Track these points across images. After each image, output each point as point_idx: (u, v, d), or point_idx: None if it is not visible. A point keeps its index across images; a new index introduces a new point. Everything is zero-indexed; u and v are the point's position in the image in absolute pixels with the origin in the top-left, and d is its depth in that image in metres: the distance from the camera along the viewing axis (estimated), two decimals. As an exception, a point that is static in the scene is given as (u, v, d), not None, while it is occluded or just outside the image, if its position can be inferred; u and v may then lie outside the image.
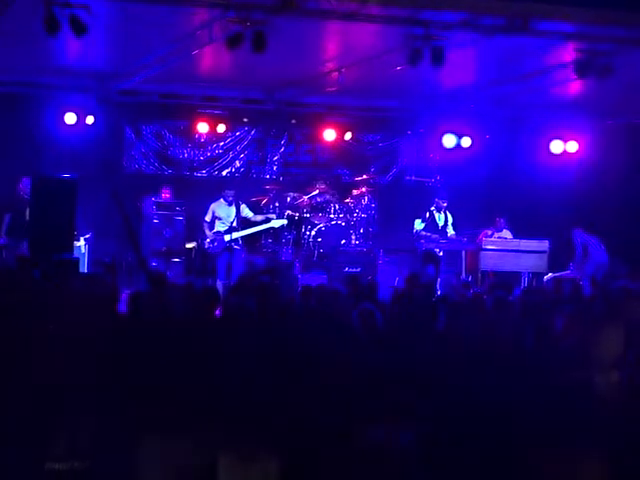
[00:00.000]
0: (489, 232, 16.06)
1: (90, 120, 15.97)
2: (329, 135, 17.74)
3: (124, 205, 12.75)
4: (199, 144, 17.63)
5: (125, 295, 10.74)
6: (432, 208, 15.63)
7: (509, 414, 4.80)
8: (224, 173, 17.80)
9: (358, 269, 15.70)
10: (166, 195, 16.78)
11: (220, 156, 17.81)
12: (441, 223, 15.61)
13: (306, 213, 16.51)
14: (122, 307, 8.60)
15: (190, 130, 17.32)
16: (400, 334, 7.05)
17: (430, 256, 14.61)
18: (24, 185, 14.08)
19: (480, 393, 5.21)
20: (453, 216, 15.78)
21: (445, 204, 15.66)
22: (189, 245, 16.42)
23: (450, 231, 15.63)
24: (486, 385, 5.33)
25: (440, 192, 16.00)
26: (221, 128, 17.28)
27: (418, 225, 15.52)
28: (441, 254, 15.24)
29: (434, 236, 15.36)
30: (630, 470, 4.35)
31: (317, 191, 16.76)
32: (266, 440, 5.12)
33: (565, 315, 7.89)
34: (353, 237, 16.58)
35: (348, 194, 17.23)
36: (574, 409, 4.67)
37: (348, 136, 17.91)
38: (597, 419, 4.70)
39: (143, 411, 5.17)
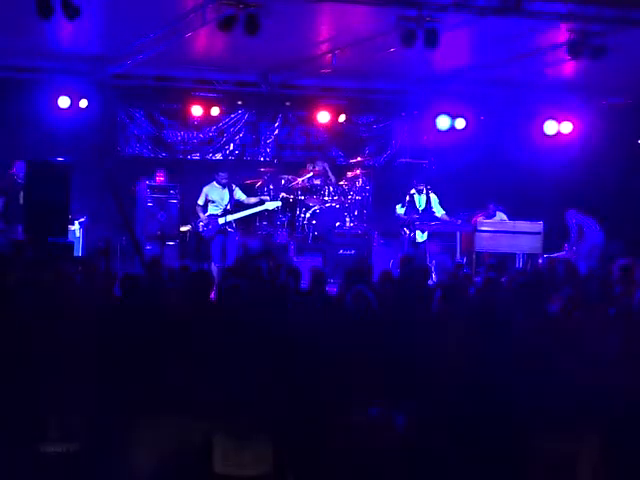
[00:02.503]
0: (481, 218, 16.04)
1: (84, 104, 15.93)
2: (323, 117, 17.72)
3: (118, 189, 12.75)
4: (193, 127, 17.59)
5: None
6: (412, 191, 15.55)
7: (504, 394, 4.82)
8: (218, 156, 17.78)
9: (352, 251, 15.69)
10: (160, 178, 16.76)
11: (214, 139, 17.79)
12: (422, 205, 15.50)
13: (300, 195, 16.47)
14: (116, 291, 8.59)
15: (184, 113, 17.28)
16: (395, 316, 7.06)
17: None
18: (18, 169, 14.06)
19: (476, 374, 5.23)
20: (438, 196, 15.69)
21: (422, 187, 15.53)
22: (183, 228, 16.40)
23: (440, 211, 15.55)
24: (481, 367, 5.35)
25: (418, 175, 15.94)
26: (215, 111, 17.26)
27: (399, 210, 15.47)
28: (425, 237, 15.22)
29: (415, 216, 15.28)
30: (623, 448, 4.37)
31: (311, 173, 16.72)
32: (262, 421, 5.13)
33: (560, 297, 7.90)
34: (347, 219, 16.53)
35: (342, 176, 17.20)
36: (568, 391, 4.70)
37: (342, 118, 17.89)
38: (590, 399, 4.72)
39: (139, 393, 5.18)
